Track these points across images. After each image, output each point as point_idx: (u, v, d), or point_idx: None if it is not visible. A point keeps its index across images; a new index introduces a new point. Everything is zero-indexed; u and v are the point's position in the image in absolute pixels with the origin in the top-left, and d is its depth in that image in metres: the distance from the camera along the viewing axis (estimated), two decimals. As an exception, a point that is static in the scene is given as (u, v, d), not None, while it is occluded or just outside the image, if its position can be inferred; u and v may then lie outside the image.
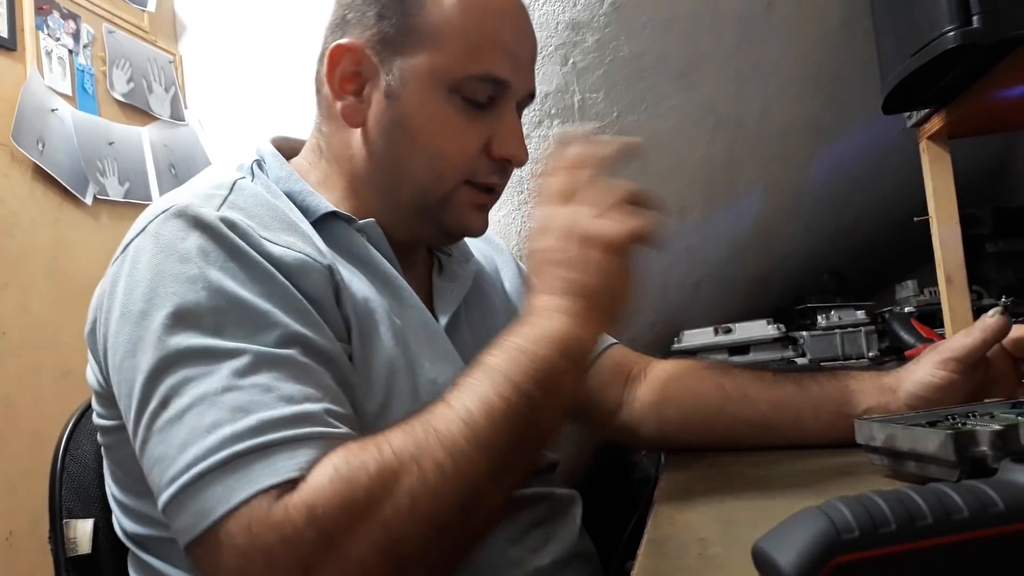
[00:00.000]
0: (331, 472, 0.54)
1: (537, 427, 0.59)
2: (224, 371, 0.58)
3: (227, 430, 0.55)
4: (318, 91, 0.81)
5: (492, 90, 0.75)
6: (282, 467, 0.54)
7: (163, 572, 0.70)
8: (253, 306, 0.61)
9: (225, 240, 0.63)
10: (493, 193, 0.80)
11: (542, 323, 0.62)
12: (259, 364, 0.59)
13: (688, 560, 0.47)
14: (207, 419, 0.56)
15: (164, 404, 0.58)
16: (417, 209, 0.78)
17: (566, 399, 0.61)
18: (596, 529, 0.88)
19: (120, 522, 0.74)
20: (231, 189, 0.69)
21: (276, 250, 0.65)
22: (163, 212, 0.66)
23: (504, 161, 0.77)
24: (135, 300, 0.62)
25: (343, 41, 0.76)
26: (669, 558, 0.47)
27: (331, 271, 0.68)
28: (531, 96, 0.81)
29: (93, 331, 0.69)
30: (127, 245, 0.67)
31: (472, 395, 0.57)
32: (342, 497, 0.53)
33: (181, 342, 0.59)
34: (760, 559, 0.32)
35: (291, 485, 0.54)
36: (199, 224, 0.64)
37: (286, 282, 0.64)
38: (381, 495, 0.53)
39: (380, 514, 0.53)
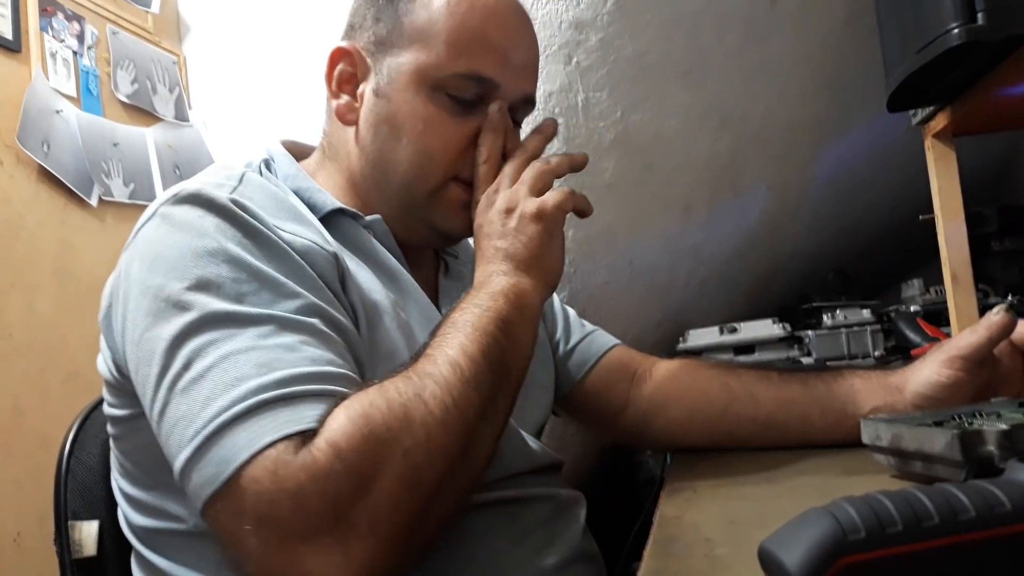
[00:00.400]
0: (347, 413, 0.55)
1: (508, 368, 0.64)
2: (248, 334, 0.59)
3: (252, 383, 0.56)
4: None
5: (479, 89, 0.76)
6: (307, 415, 0.55)
7: (168, 570, 0.70)
8: (273, 278, 0.62)
9: (239, 220, 0.65)
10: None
11: (489, 284, 0.69)
12: (283, 328, 0.60)
13: (694, 561, 0.47)
14: (231, 375, 0.56)
15: (187, 366, 0.58)
16: (407, 207, 0.79)
17: (525, 345, 0.68)
18: (601, 530, 0.88)
19: (127, 517, 0.74)
20: (240, 180, 0.71)
21: (285, 235, 0.66)
22: (172, 197, 0.67)
23: None
24: (154, 275, 0.62)
25: (342, 44, 0.80)
26: (675, 559, 0.47)
27: (336, 259, 0.70)
28: (528, 102, 0.81)
29: (108, 316, 0.69)
30: (138, 231, 0.68)
31: (450, 345, 0.62)
32: (362, 433, 0.54)
33: (203, 308, 0.59)
34: (766, 560, 0.32)
35: (313, 434, 0.55)
36: (213, 206, 0.65)
37: (301, 260, 0.66)
38: (398, 428, 0.55)
39: (400, 445, 0.54)
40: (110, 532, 0.79)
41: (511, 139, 0.79)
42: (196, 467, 0.55)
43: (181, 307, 0.60)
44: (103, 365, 0.72)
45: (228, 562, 0.59)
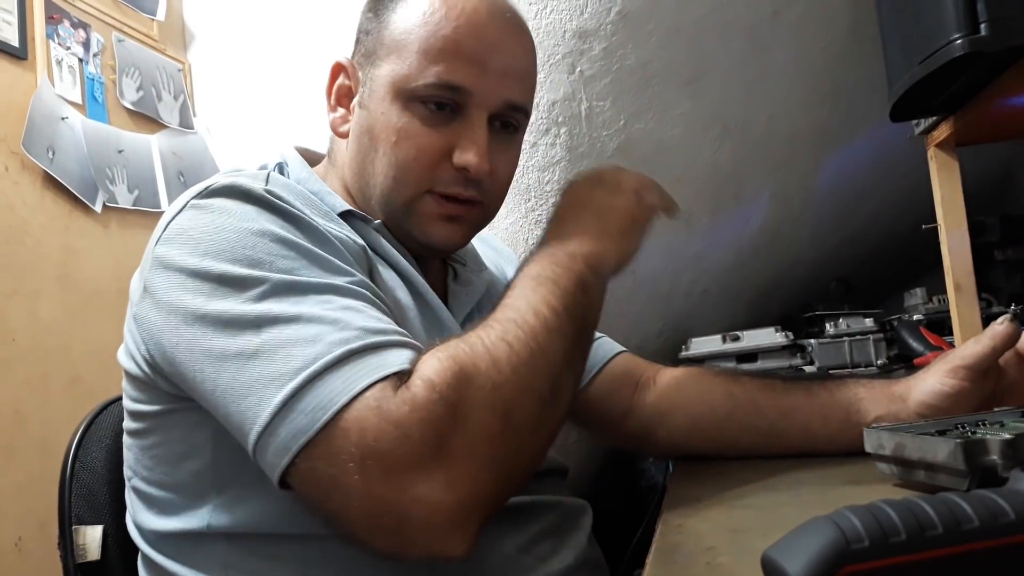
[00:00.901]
0: (437, 355, 0.58)
1: (587, 326, 0.68)
2: (311, 299, 0.60)
3: (333, 336, 0.57)
4: None
5: (452, 97, 0.75)
6: (395, 360, 0.57)
7: (174, 572, 0.70)
8: (321, 255, 0.64)
9: (278, 207, 0.66)
10: (465, 204, 0.78)
11: (569, 244, 0.70)
12: (342, 294, 0.61)
13: (697, 569, 0.47)
14: (308, 332, 0.57)
15: (256, 332, 0.58)
16: (389, 218, 0.79)
17: (597, 310, 0.70)
18: (604, 537, 0.88)
19: (136, 518, 0.74)
20: (267, 180, 0.72)
21: (320, 223, 0.68)
22: (204, 190, 0.67)
23: (463, 170, 0.76)
24: (201, 259, 0.62)
25: (340, 59, 0.82)
26: (678, 567, 0.47)
27: (366, 253, 0.72)
28: (513, 107, 0.79)
29: (139, 309, 0.68)
30: (167, 224, 0.67)
31: (533, 296, 0.64)
32: (454, 371, 0.56)
33: (261, 281, 0.60)
34: (769, 568, 0.32)
35: (406, 375, 0.56)
36: (250, 196, 0.66)
37: (339, 245, 0.67)
38: (485, 366, 0.57)
39: (489, 381, 0.57)
40: (114, 536, 0.79)
41: (487, 156, 0.77)
42: (284, 421, 0.55)
43: (236, 283, 0.60)
44: (127, 359, 0.72)
45: (320, 519, 0.59)
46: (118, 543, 0.78)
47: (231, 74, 2.11)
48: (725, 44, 1.59)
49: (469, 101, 0.75)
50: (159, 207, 1.95)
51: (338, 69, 0.83)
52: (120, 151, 1.88)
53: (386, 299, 0.69)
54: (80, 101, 1.81)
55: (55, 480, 0.82)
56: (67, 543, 0.79)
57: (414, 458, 0.53)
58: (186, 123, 2.09)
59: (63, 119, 1.74)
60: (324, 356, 0.56)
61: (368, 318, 0.60)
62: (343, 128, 0.81)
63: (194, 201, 0.67)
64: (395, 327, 0.62)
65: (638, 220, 0.78)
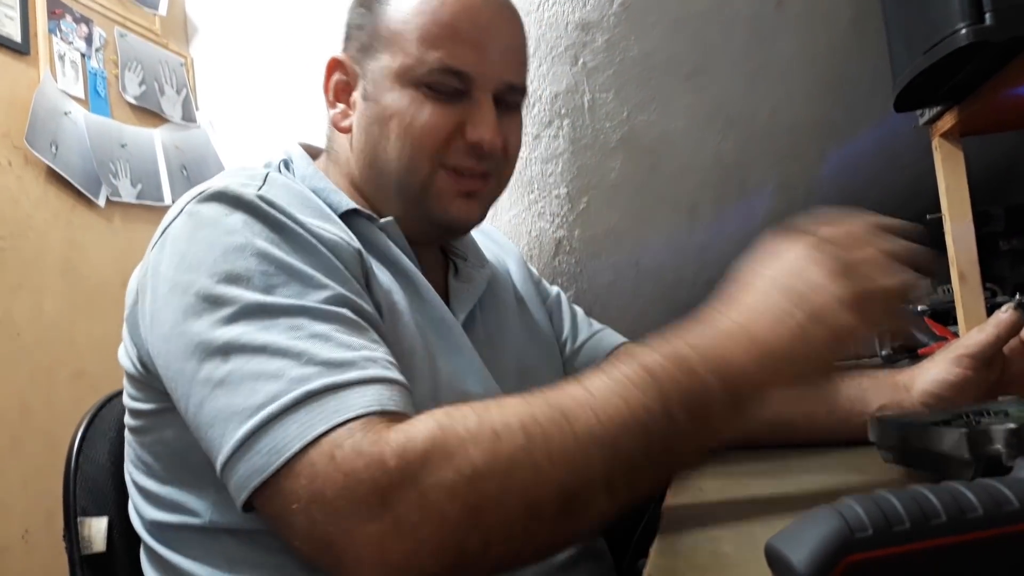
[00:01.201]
0: (431, 420, 0.54)
1: (670, 450, 0.55)
2: (281, 325, 0.59)
3: (295, 372, 0.57)
4: None
5: (456, 81, 0.76)
6: (355, 402, 0.56)
7: (179, 566, 0.70)
8: (301, 270, 0.63)
9: (267, 216, 0.66)
10: (480, 178, 0.80)
11: (726, 344, 0.56)
12: (315, 318, 0.60)
13: (700, 559, 0.47)
14: (272, 366, 0.57)
15: (224, 359, 0.58)
16: (407, 203, 0.79)
17: (711, 435, 0.56)
18: (607, 527, 0.88)
19: (139, 511, 0.75)
20: (264, 180, 0.71)
21: (312, 229, 0.67)
22: (199, 195, 0.68)
23: (476, 146, 0.77)
24: (183, 272, 0.63)
25: (335, 54, 0.82)
26: (681, 556, 0.47)
27: (361, 256, 0.71)
28: (512, 88, 0.80)
29: (134, 313, 0.70)
30: (164, 229, 0.69)
31: (615, 389, 0.54)
32: (434, 443, 0.52)
33: (235, 301, 0.60)
34: (773, 557, 0.32)
35: (371, 420, 0.55)
36: (240, 202, 0.66)
37: (328, 253, 0.67)
38: (479, 455, 0.52)
39: (471, 470, 0.51)
40: (119, 528, 0.80)
41: (499, 131, 0.78)
42: (243, 458, 0.56)
43: (212, 301, 0.61)
44: (126, 359, 0.73)
45: (292, 553, 0.59)
46: (123, 535, 0.79)
47: (234, 68, 2.11)
48: (728, 35, 1.59)
49: (472, 85, 0.76)
50: (162, 201, 1.95)
51: (334, 65, 0.83)
52: (123, 145, 1.88)
53: (374, 307, 0.68)
54: (83, 96, 1.81)
55: (60, 473, 0.83)
56: (72, 535, 0.79)
57: (355, 509, 0.52)
58: (189, 117, 2.10)
59: (66, 114, 1.74)
60: (283, 395, 0.56)
61: (336, 347, 0.59)
62: (345, 123, 0.82)
63: (190, 207, 0.67)
64: (365, 355, 0.60)
65: (835, 341, 0.56)
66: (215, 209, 0.66)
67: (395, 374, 0.60)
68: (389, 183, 0.79)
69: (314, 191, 0.77)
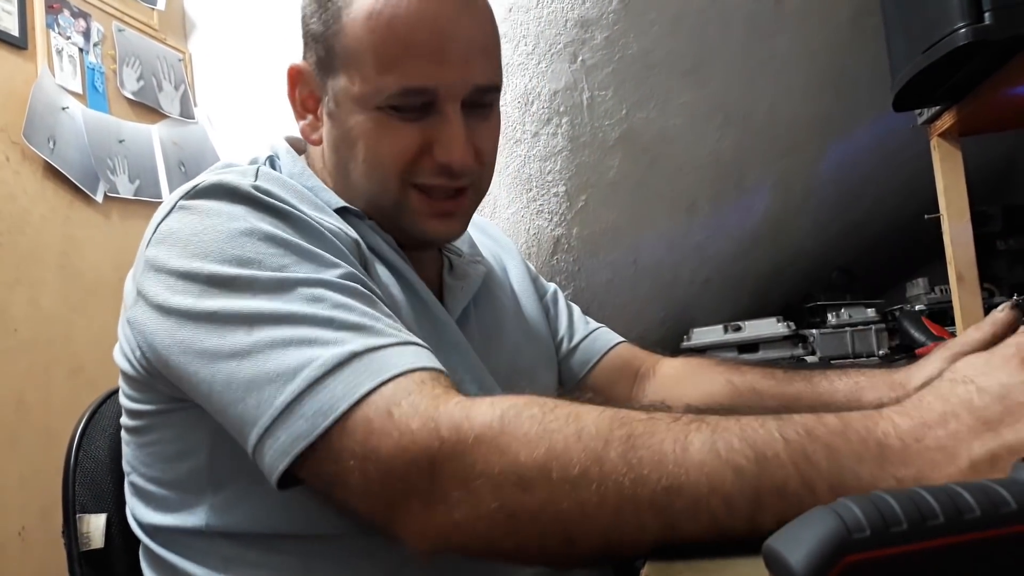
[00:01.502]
0: (509, 404, 0.52)
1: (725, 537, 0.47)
2: (302, 296, 0.59)
3: (328, 335, 0.57)
4: None
5: (420, 98, 0.72)
6: (397, 361, 0.56)
7: (176, 565, 0.70)
8: (311, 250, 0.63)
9: (266, 204, 0.65)
10: (453, 198, 0.77)
11: (871, 419, 0.47)
12: (334, 289, 0.60)
13: (699, 560, 0.47)
14: (302, 333, 0.57)
15: (249, 331, 0.58)
16: (382, 217, 0.77)
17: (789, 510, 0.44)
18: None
19: (135, 512, 0.74)
20: (257, 174, 0.70)
21: (314, 216, 0.67)
22: (190, 190, 0.67)
23: (446, 167, 0.74)
24: (190, 261, 0.62)
25: (296, 63, 0.79)
26: (680, 558, 0.47)
27: (359, 246, 0.71)
28: (482, 89, 0.75)
29: (133, 312, 0.67)
30: (157, 226, 0.67)
31: (705, 460, 0.47)
32: (491, 430, 0.51)
33: (250, 280, 0.60)
34: (771, 557, 0.32)
35: (423, 378, 0.55)
36: (237, 194, 0.65)
37: (332, 237, 0.66)
38: (525, 462, 0.49)
39: (516, 476, 0.49)
40: (118, 525, 0.80)
41: (467, 148, 0.74)
42: (284, 424, 0.55)
43: (226, 283, 0.60)
44: (123, 359, 0.71)
45: (343, 514, 0.59)
46: (121, 532, 0.79)
47: (232, 64, 2.11)
48: (727, 33, 1.59)
49: (437, 98, 0.72)
50: (160, 197, 1.95)
51: (296, 76, 0.79)
52: (121, 141, 1.88)
53: (381, 294, 0.68)
54: (80, 91, 1.81)
55: (58, 470, 0.82)
56: (71, 531, 0.79)
57: (407, 470, 0.52)
58: (187, 113, 2.09)
59: (64, 109, 1.74)
60: (321, 358, 0.55)
61: (362, 315, 0.59)
62: (315, 136, 0.79)
63: (182, 202, 0.66)
64: (389, 323, 0.61)
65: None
66: (212, 202, 0.65)
67: (422, 341, 0.61)
68: (361, 201, 0.77)
69: (304, 188, 0.76)
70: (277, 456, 0.55)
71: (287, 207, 0.66)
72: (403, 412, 0.53)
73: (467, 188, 0.77)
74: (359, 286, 0.63)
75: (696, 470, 0.46)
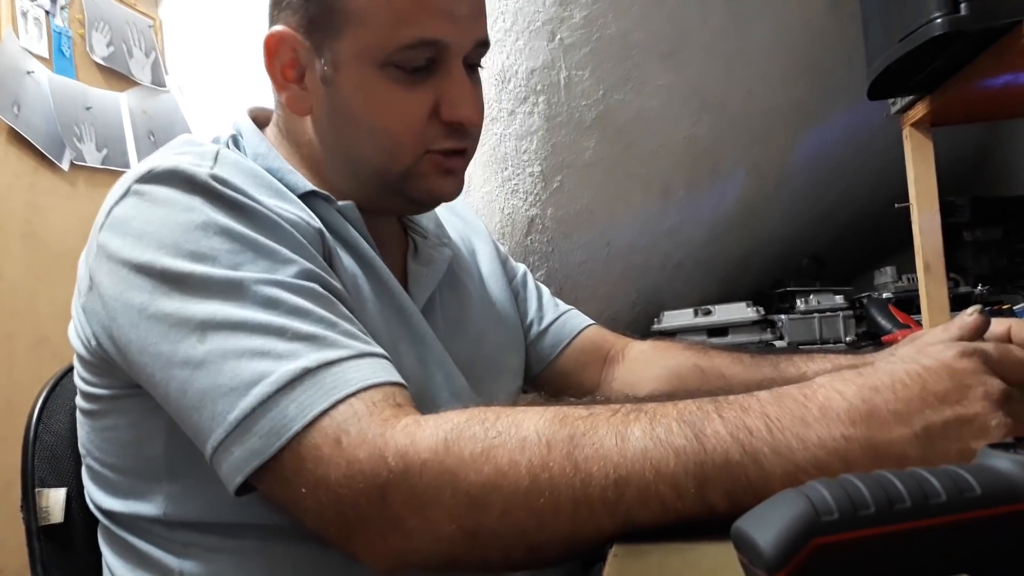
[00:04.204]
0: (448, 423, 0.52)
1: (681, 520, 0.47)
2: (257, 300, 0.58)
3: (281, 348, 0.56)
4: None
5: (429, 53, 0.70)
6: (352, 377, 0.55)
7: (136, 547, 0.69)
8: (267, 246, 0.61)
9: (223, 195, 0.63)
10: (460, 155, 0.76)
11: (823, 406, 0.46)
12: (289, 291, 0.59)
13: (667, 542, 0.47)
14: (255, 344, 0.56)
15: (202, 338, 0.57)
16: (380, 187, 0.76)
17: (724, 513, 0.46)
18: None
19: (93, 497, 0.73)
20: (216, 158, 0.68)
21: (272, 207, 0.65)
22: (146, 173, 0.64)
23: (457, 125, 0.73)
24: (143, 253, 0.61)
25: (277, 28, 0.73)
26: (648, 540, 0.47)
27: (322, 236, 0.69)
28: (484, 44, 0.75)
29: (87, 299, 0.66)
30: (110, 210, 0.65)
31: (646, 448, 0.47)
32: (436, 455, 0.51)
33: (203, 279, 0.59)
34: (740, 539, 0.32)
35: (374, 399, 0.54)
36: (194, 183, 0.63)
37: (291, 229, 0.64)
38: (476, 480, 0.50)
39: (467, 498, 0.50)
40: (78, 500, 0.78)
41: (477, 105, 0.75)
42: (239, 440, 0.55)
43: (180, 281, 0.59)
44: (78, 342, 0.70)
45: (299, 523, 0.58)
46: (81, 507, 0.77)
47: (204, 31, 2.07)
48: (706, 16, 1.59)
49: (446, 52, 0.71)
50: (128, 166, 1.91)
51: (276, 42, 0.73)
52: (88, 108, 1.84)
53: (342, 286, 0.67)
54: (47, 55, 1.76)
55: (19, 443, 0.81)
56: (30, 506, 0.78)
57: (356, 498, 0.52)
58: (158, 81, 2.05)
59: (29, 73, 1.70)
60: (275, 374, 0.55)
61: (316, 322, 0.58)
62: (302, 107, 0.75)
63: (136, 186, 0.64)
64: (346, 329, 0.59)
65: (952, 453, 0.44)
66: (167, 191, 0.63)
67: (378, 348, 0.60)
68: (364, 173, 0.75)
69: (268, 170, 0.73)
70: (232, 470, 0.55)
71: (244, 199, 0.63)
72: (351, 441, 0.53)
73: (466, 149, 0.76)
74: (316, 285, 0.62)
75: (640, 458, 0.47)
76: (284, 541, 0.65)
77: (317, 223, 0.69)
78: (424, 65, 0.71)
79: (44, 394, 0.84)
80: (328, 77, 0.72)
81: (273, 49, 0.74)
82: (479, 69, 0.78)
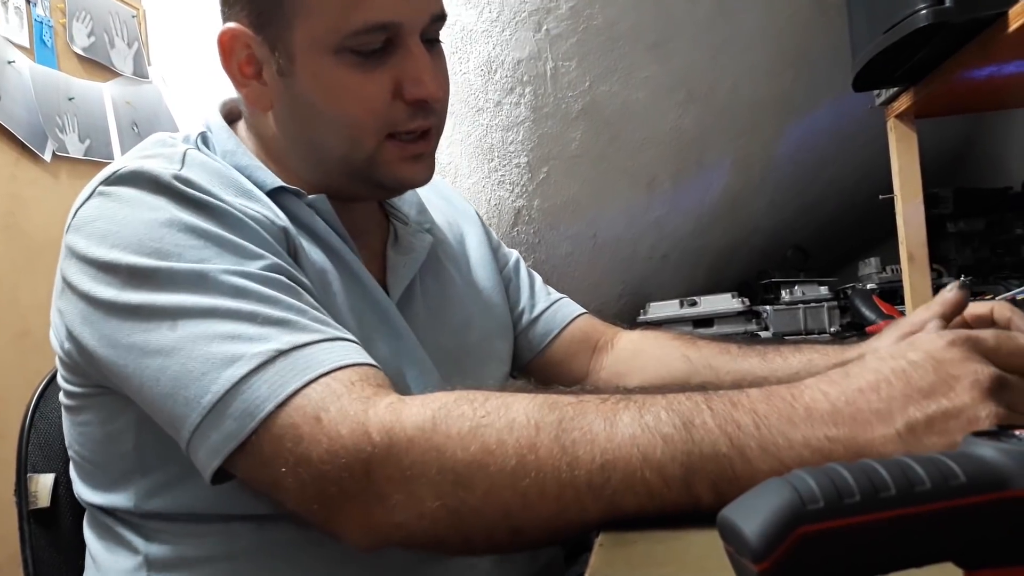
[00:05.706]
0: (437, 403, 0.52)
1: (664, 511, 0.47)
2: (225, 289, 0.58)
3: (252, 331, 0.56)
4: None
5: (384, 35, 0.69)
6: (324, 358, 0.55)
7: (118, 532, 0.70)
8: (233, 241, 0.62)
9: (187, 195, 0.63)
10: (425, 137, 0.75)
11: (804, 401, 0.47)
12: (257, 282, 0.59)
13: (653, 531, 0.47)
14: (225, 329, 0.56)
15: (172, 326, 0.57)
16: (348, 176, 0.75)
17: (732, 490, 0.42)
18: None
19: (76, 487, 0.75)
20: (183, 160, 0.68)
21: (238, 206, 0.65)
22: (111, 175, 0.65)
23: (421, 102, 0.72)
24: (108, 252, 0.61)
25: (230, 26, 0.72)
26: (634, 529, 0.47)
27: (287, 234, 0.69)
28: (441, 18, 0.73)
29: (61, 301, 0.67)
30: (76, 211, 0.66)
31: (634, 434, 0.47)
32: (423, 431, 0.51)
33: (169, 273, 0.59)
34: (725, 528, 0.32)
35: (351, 377, 0.55)
36: (158, 184, 0.63)
37: (257, 227, 0.64)
38: (462, 458, 0.50)
39: (453, 474, 0.50)
40: (65, 485, 0.81)
41: (437, 78, 0.73)
42: (215, 424, 0.55)
43: (147, 276, 0.59)
44: (56, 343, 0.71)
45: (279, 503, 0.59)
46: (69, 492, 0.79)
47: (187, 22, 2.05)
48: (693, 7, 1.59)
49: (401, 32, 0.69)
50: (111, 158, 1.89)
51: (230, 42, 0.72)
52: (70, 99, 1.82)
53: (308, 281, 0.67)
54: (28, 45, 1.74)
55: (3, 433, 0.82)
56: (22, 490, 0.80)
57: (339, 474, 0.52)
58: (140, 72, 2.03)
59: (9, 63, 1.68)
60: (246, 356, 0.55)
61: (287, 309, 0.58)
62: (263, 102, 0.74)
63: (102, 188, 0.65)
64: (316, 316, 0.60)
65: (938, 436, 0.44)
66: (132, 191, 0.63)
67: (350, 335, 0.60)
68: (329, 163, 0.74)
69: (237, 168, 0.73)
70: (209, 455, 0.56)
71: (209, 198, 0.64)
72: (332, 417, 0.53)
73: (431, 129, 0.75)
74: (283, 277, 0.62)
75: (627, 444, 0.47)
76: (248, 526, 0.66)
77: (282, 220, 0.69)
78: (380, 47, 0.70)
79: (44, 382, 0.87)
80: (285, 70, 0.71)
81: (228, 47, 0.73)
82: (439, 43, 0.76)
